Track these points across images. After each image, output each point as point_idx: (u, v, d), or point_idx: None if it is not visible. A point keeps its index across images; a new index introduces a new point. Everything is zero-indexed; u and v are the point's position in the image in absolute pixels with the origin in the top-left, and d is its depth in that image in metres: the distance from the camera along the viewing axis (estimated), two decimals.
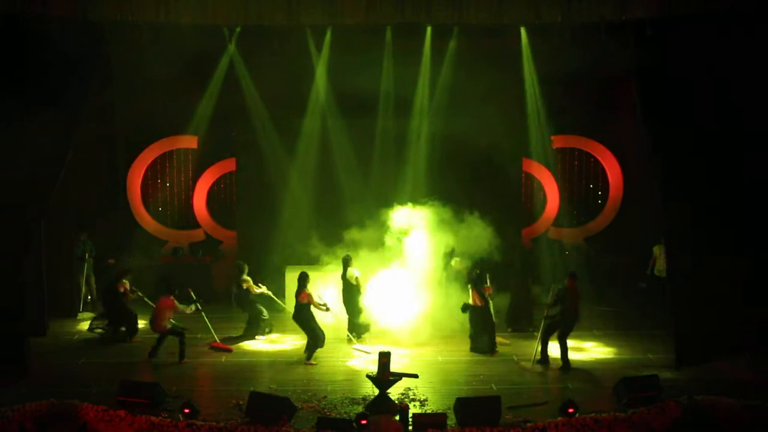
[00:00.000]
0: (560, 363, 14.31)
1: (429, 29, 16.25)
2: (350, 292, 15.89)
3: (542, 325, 14.69)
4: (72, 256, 17.53)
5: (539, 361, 14.48)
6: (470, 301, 15.12)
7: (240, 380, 13.64)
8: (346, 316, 15.99)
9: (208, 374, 14.40)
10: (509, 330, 16.41)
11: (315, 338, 14.73)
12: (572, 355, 14.52)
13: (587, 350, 15.34)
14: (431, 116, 18.48)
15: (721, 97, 13.75)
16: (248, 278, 16.12)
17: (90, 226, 18.16)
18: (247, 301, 16.20)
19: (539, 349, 14.51)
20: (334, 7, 13.82)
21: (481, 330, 15.15)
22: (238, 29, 16.08)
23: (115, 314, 15.98)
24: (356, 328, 15.89)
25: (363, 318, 15.85)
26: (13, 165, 13.27)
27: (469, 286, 15.17)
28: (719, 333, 14.00)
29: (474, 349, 15.20)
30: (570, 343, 14.49)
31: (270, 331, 16.28)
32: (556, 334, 14.43)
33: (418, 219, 16.05)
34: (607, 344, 15.65)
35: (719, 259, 13.84)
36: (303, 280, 14.86)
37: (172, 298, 14.86)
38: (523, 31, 16.22)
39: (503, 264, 16.41)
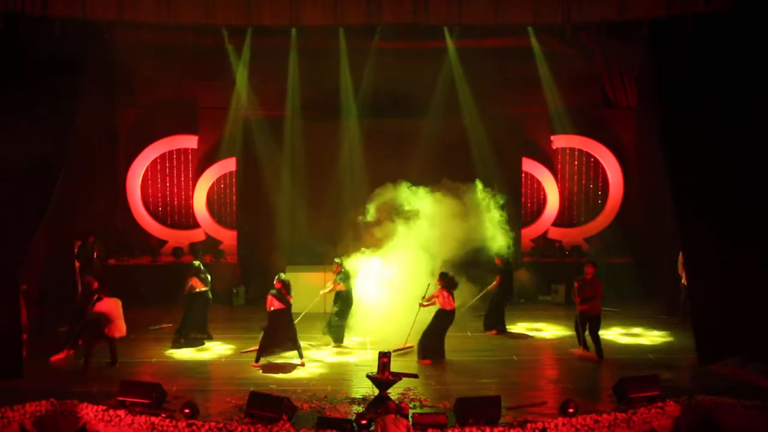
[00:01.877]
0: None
1: (446, 30, 16.34)
2: (345, 295, 15.60)
3: (576, 316, 14.88)
4: (73, 256, 17.51)
5: (582, 345, 14.90)
6: (437, 304, 14.51)
7: (240, 380, 13.64)
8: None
9: (208, 374, 14.39)
10: (485, 332, 16.39)
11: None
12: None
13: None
14: (431, 115, 18.49)
15: (720, 97, 13.73)
16: None
17: (90, 227, 18.13)
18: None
19: (579, 338, 14.91)
20: (335, 7, 13.81)
21: (439, 334, 14.56)
22: (249, 30, 16.12)
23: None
24: (337, 332, 15.50)
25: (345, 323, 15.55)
26: (12, 165, 13.25)
27: (435, 285, 14.69)
28: (733, 332, 14.02)
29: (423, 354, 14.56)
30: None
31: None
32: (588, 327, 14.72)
33: (419, 212, 16.13)
34: (610, 344, 15.67)
35: (729, 256, 13.87)
36: (287, 286, 14.44)
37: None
38: (531, 30, 16.24)
39: (488, 269, 16.45)
